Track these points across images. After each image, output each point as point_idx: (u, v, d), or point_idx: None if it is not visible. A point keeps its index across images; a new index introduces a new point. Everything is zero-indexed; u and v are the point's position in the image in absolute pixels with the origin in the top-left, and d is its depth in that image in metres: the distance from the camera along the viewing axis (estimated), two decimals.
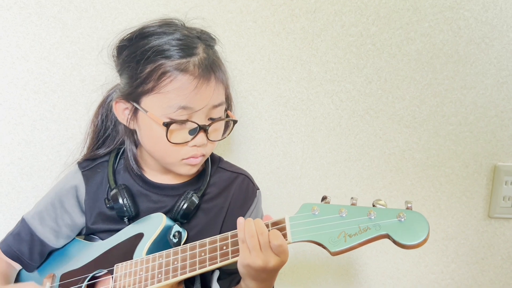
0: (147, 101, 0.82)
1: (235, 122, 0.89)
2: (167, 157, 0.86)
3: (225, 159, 1.00)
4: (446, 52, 1.09)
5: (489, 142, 1.15)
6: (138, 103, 0.83)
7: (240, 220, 0.76)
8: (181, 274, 0.78)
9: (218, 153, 1.02)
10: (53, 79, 1.06)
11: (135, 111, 0.85)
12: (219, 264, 0.76)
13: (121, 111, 0.87)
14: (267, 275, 0.77)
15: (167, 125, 0.80)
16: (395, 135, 1.14)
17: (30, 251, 0.92)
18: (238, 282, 0.84)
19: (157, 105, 0.81)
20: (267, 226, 0.75)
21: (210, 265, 0.76)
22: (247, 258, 0.74)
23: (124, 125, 0.89)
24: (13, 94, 1.06)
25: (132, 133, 0.90)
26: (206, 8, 1.05)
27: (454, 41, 1.09)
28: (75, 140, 1.04)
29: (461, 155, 1.16)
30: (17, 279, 0.95)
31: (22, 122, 1.07)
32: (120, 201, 0.88)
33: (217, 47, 0.89)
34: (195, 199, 0.88)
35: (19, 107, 1.07)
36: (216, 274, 0.92)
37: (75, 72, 1.06)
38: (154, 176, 0.92)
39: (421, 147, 1.15)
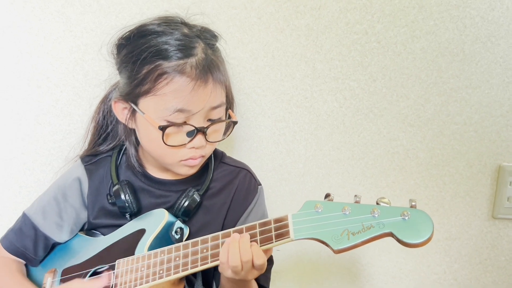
0: (144, 103, 0.82)
1: (235, 123, 0.88)
2: (165, 158, 0.86)
3: None
4: (452, 50, 1.09)
5: (494, 142, 1.14)
6: (135, 104, 0.83)
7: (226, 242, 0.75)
8: (182, 271, 0.77)
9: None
10: (56, 73, 1.05)
11: (133, 111, 0.85)
12: None
13: (120, 111, 0.87)
14: (244, 283, 0.79)
15: (162, 128, 0.80)
16: (399, 134, 1.13)
17: (34, 246, 0.91)
18: None
19: (154, 107, 0.80)
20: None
21: (212, 262, 0.76)
22: (227, 274, 0.74)
23: (123, 124, 0.88)
24: (16, 88, 1.05)
25: (131, 132, 0.90)
26: (210, 3, 1.04)
27: (460, 40, 1.08)
28: (78, 135, 1.04)
29: (465, 155, 1.15)
30: None
31: (25, 117, 1.07)
32: (122, 197, 0.87)
33: (219, 45, 0.87)
34: (197, 197, 0.88)
35: (22, 102, 1.06)
36: None
37: (78, 67, 1.05)
38: (156, 172, 0.92)
39: (425, 146, 1.14)
